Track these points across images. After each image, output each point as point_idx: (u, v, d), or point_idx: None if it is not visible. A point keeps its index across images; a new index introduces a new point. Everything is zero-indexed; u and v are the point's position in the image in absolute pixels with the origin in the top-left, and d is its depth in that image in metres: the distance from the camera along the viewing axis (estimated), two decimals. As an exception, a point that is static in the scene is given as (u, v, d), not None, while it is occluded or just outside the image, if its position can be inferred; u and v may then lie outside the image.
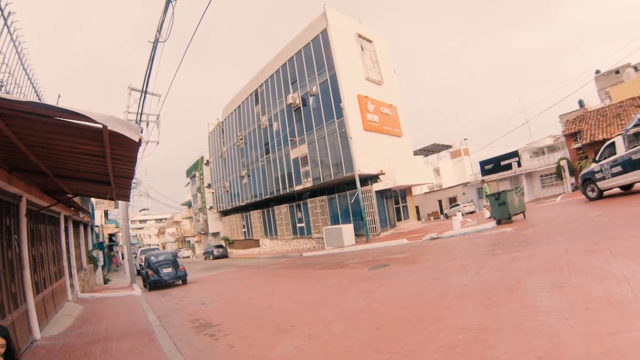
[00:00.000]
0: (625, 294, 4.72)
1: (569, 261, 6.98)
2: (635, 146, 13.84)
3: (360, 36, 29.15)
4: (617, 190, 16.39)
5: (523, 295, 5.67)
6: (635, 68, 37.75)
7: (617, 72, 38.41)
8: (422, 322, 5.53)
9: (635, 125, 14.22)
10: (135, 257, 29.19)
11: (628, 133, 14.53)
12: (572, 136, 28.53)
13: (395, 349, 4.68)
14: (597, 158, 16.24)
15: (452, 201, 46.05)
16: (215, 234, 53.38)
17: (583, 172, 17.50)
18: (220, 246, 43.34)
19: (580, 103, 36.57)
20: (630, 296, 4.61)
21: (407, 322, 5.70)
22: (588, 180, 16.58)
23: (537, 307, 4.99)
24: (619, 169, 14.63)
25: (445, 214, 37.83)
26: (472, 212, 36.67)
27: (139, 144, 4.45)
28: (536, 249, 9.05)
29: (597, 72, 40.64)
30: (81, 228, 18.70)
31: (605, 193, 16.16)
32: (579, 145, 27.15)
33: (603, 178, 15.53)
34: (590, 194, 16.62)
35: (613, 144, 15.34)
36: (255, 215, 39.91)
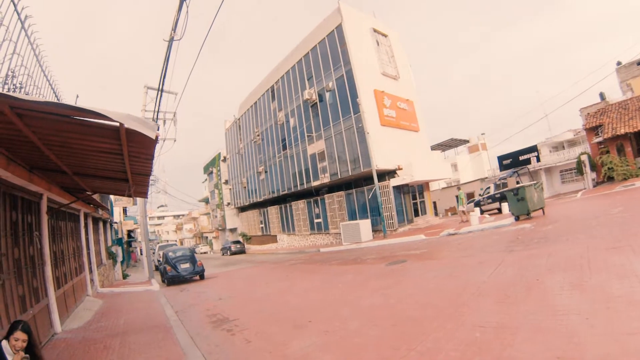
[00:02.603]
0: (648, 293, 4.63)
1: (589, 259, 6.86)
2: (499, 190, 25.27)
3: (375, 31, 29.02)
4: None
5: (542, 294, 5.61)
6: None
7: (639, 63, 37.59)
8: (439, 319, 5.50)
9: (501, 179, 26.82)
10: (154, 253, 29.51)
11: (496, 182, 27.01)
12: (593, 130, 27.91)
13: (412, 346, 4.66)
14: (481, 194, 28.49)
15: (470, 196, 45.64)
16: (233, 230, 53.68)
17: (475, 200, 28.42)
18: (237, 242, 43.60)
19: (602, 96, 35.72)
20: (652, 295, 4.52)
21: (424, 319, 5.68)
22: (478, 204, 27.05)
23: (556, 306, 4.92)
24: (490, 200, 26.52)
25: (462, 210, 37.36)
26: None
27: (155, 141, 4.48)
28: (556, 246, 8.93)
29: (619, 63, 39.76)
30: (100, 224, 18.98)
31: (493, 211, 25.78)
32: (600, 139, 26.53)
33: (484, 204, 26.62)
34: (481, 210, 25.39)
35: (489, 188, 27.77)
36: (273, 211, 40.07)
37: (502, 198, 23.11)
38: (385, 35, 29.97)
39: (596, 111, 29.32)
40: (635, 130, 23.82)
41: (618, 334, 3.76)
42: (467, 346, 4.31)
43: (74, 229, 12.30)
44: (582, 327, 4.09)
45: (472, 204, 29.50)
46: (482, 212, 24.66)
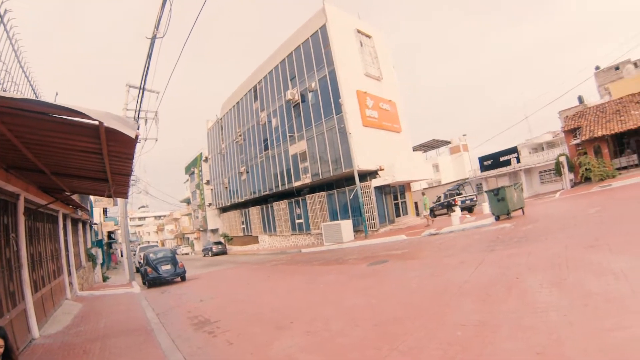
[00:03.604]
0: (624, 290, 4.76)
1: (567, 257, 7.01)
2: (448, 198, 30.93)
3: (359, 32, 29.08)
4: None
5: (522, 292, 5.70)
6: (635, 64, 37.79)
7: (617, 68, 38.46)
8: (421, 318, 5.54)
9: (449, 190, 32.72)
10: (134, 255, 29.11)
11: (445, 192, 32.87)
12: (571, 132, 28.45)
13: (394, 345, 4.68)
14: (435, 201, 32.36)
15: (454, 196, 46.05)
16: (214, 231, 53.35)
17: (431, 205, 28.88)
18: (219, 243, 43.29)
19: (580, 99, 36.51)
20: (628, 292, 4.65)
21: (406, 318, 5.71)
22: (432, 210, 28.04)
23: (536, 304, 5.02)
24: (440, 207, 30.94)
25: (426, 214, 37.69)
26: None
27: (135, 140, 4.43)
28: (535, 245, 9.09)
29: (597, 68, 40.69)
30: (80, 226, 18.66)
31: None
32: (578, 141, 27.09)
33: (437, 210, 30.60)
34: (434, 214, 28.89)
35: (439, 197, 32.89)
36: (254, 211, 39.89)
37: (449, 206, 29.03)
38: (369, 36, 30.06)
39: (575, 114, 30.03)
40: (612, 132, 24.37)
41: (596, 330, 3.85)
42: (449, 345, 4.36)
43: (52, 231, 12.07)
44: (561, 324, 4.18)
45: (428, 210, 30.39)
46: (434, 216, 27.65)
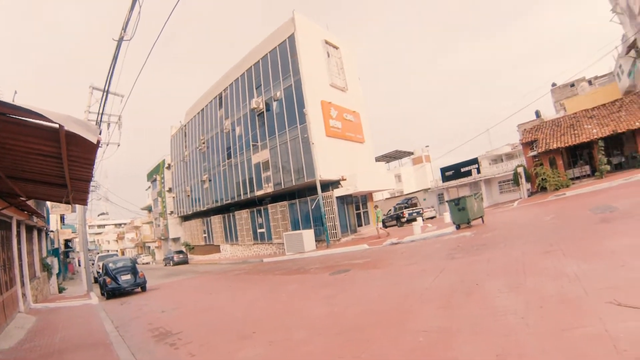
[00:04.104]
0: (577, 292, 4.98)
1: (524, 263, 7.26)
2: (397, 211, 34.90)
3: (327, 42, 29.34)
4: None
5: (481, 297, 5.83)
6: (589, 82, 39.90)
7: (572, 85, 40.49)
8: (383, 326, 5.57)
9: (398, 204, 36.52)
10: (93, 264, 28.27)
11: (395, 206, 36.70)
12: (528, 145, 29.49)
13: (357, 353, 4.69)
14: (387, 213, 36.42)
15: (414, 206, 46.75)
16: (176, 240, 52.42)
17: (383, 217, 29.85)
18: (180, 252, 42.68)
19: (537, 114, 38.24)
20: (581, 294, 4.86)
21: (369, 326, 5.72)
22: (383, 222, 29.57)
23: (495, 308, 5.14)
24: (390, 219, 34.37)
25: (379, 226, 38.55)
26: (432, 217, 37.27)
27: (97, 145, 4.35)
28: (494, 252, 9.33)
29: (554, 85, 42.63)
30: (35, 233, 18.00)
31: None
32: (535, 153, 28.18)
33: (387, 222, 33.31)
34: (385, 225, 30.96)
35: (389, 210, 36.69)
36: (216, 220, 39.44)
37: (398, 218, 33.81)
38: (336, 48, 30.35)
39: (532, 127, 31.40)
40: (566, 145, 25.53)
41: (552, 330, 3.98)
42: (412, 351, 4.40)
43: (4, 238, 11.60)
44: (519, 326, 4.30)
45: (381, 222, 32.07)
46: (385, 226, 29.36)
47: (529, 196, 28.54)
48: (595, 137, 24.25)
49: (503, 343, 3.96)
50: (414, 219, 30.21)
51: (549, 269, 6.40)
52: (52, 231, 28.71)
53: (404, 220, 33.00)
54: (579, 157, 27.82)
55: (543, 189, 26.61)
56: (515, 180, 30.60)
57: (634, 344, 3.25)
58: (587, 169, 26.92)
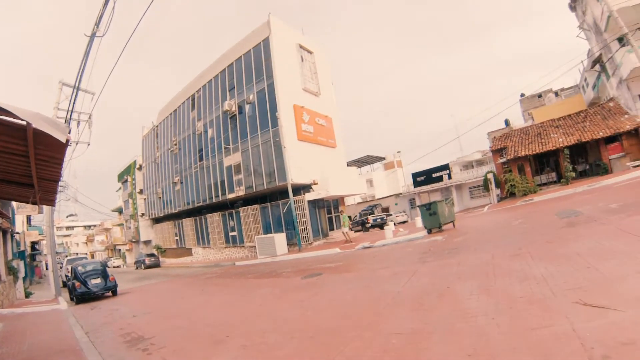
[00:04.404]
0: (545, 292, 5.15)
1: (494, 266, 7.44)
2: (362, 217, 37.66)
3: (301, 47, 29.41)
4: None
5: (453, 299, 5.93)
6: (556, 94, 41.65)
7: (540, 96, 42.09)
8: (356, 329, 5.59)
9: (363, 210, 41.74)
10: (61, 268, 27.58)
11: (360, 212, 41.15)
12: (498, 152, 30.28)
13: (331, 356, 4.69)
14: (353, 218, 37.65)
15: (385, 211, 47.16)
16: (147, 242, 51.52)
17: (355, 220, 36.31)
18: (152, 255, 42.01)
19: (506, 122, 39.53)
20: (549, 294, 5.03)
21: (342, 329, 5.74)
22: (356, 222, 37.17)
23: (466, 309, 5.25)
24: (356, 224, 36.47)
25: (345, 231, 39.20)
26: (404, 222, 37.65)
27: (66, 144, 4.27)
28: (465, 255, 9.51)
29: (522, 95, 44.06)
30: (-1, 235, 17.54)
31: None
32: (504, 160, 28.99)
33: (353, 227, 33.79)
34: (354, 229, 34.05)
35: (357, 216, 37.91)
36: (188, 223, 39.00)
37: (363, 224, 35.74)
38: (310, 52, 30.44)
39: (501, 135, 32.43)
40: (534, 152, 26.53)
41: (521, 330, 4.09)
42: (385, 352, 4.43)
43: (-34, 239, 11.27)
44: (490, 327, 4.40)
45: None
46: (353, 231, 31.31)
47: (498, 201, 29.27)
48: (562, 145, 25.17)
49: (474, 343, 4.04)
50: (379, 225, 33.37)
51: (518, 271, 6.58)
52: (18, 233, 27.94)
53: (368, 225, 34.74)
54: (546, 165, 28.89)
55: (512, 195, 27.33)
56: (486, 186, 31.33)
57: (600, 342, 3.36)
58: (553, 175, 28.02)
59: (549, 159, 28.56)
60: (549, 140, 26.59)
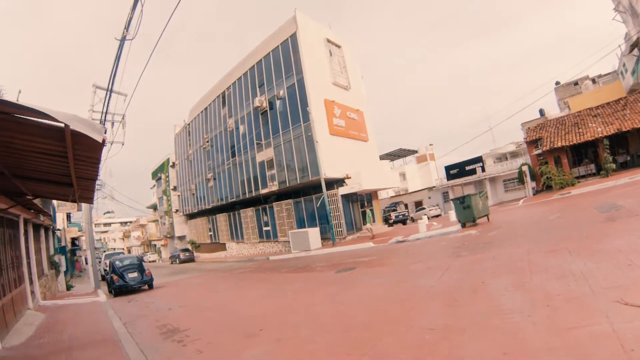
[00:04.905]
0: (583, 290, 4.96)
1: (530, 261, 7.25)
2: (386, 213, 37.47)
3: (329, 41, 29.32)
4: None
5: (487, 295, 5.83)
6: (593, 80, 39.72)
7: (576, 83, 40.37)
8: (389, 324, 5.57)
9: (387, 207, 41.31)
10: (100, 262, 28.31)
11: (383, 209, 38.64)
12: (533, 143, 29.43)
13: (364, 350, 4.68)
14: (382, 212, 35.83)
15: (418, 205, 46.71)
16: (182, 238, 52.48)
17: (383, 215, 34.78)
18: (186, 250, 42.75)
19: (541, 112, 38.24)
20: (587, 292, 4.85)
21: (375, 324, 5.73)
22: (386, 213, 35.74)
23: (501, 306, 5.14)
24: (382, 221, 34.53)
25: (411, 217, 38.66)
26: (437, 216, 37.27)
27: (102, 144, 4.35)
28: (499, 250, 9.32)
29: (557, 83, 42.50)
30: (42, 232, 18.08)
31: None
32: (539, 151, 28.08)
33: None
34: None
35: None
36: (222, 218, 39.52)
37: (386, 219, 35.95)
38: (338, 46, 30.33)
39: (536, 126, 31.38)
40: (571, 143, 25.44)
41: (558, 329, 3.98)
42: (418, 348, 4.39)
43: (12, 237, 11.66)
44: (525, 325, 4.29)
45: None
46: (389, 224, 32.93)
47: (534, 195, 28.50)
48: (600, 135, 24.19)
49: (510, 341, 3.96)
50: (401, 220, 34.74)
51: (555, 268, 6.39)
52: (59, 229, 28.83)
53: (391, 221, 35.39)
54: (584, 156, 27.76)
55: (548, 188, 26.53)
56: (520, 178, 30.56)
57: (641, 344, 3.25)
58: (592, 167, 26.89)
59: (587, 150, 27.39)
60: (586, 130, 25.58)
